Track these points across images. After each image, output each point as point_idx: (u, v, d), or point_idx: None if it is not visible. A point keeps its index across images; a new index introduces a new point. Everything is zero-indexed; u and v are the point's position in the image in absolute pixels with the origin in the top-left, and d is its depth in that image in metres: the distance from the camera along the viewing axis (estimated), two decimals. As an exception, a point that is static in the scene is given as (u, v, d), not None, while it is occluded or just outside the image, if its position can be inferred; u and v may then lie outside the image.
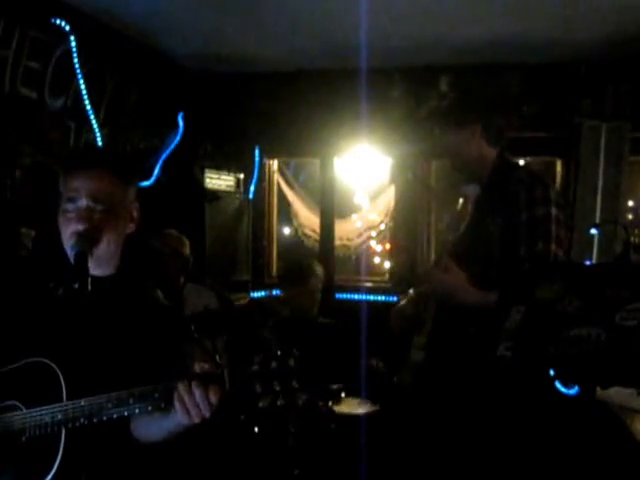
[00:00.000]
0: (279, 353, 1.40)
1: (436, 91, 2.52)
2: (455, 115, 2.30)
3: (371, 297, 4.46)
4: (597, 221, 3.97)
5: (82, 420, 1.48)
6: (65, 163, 1.78)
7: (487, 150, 2.30)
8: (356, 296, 4.53)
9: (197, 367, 1.45)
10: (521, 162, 4.69)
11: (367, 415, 3.13)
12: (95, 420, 1.48)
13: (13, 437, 1.55)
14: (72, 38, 3.18)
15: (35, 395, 1.55)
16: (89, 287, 1.54)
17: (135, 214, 1.78)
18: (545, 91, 4.12)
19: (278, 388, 1.38)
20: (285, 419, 3.06)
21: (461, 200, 2.51)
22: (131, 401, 1.46)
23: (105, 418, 1.48)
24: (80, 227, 1.63)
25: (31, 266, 1.82)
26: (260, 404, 1.38)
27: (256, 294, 4.65)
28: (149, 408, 1.47)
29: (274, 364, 1.39)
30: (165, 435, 1.59)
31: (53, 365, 1.55)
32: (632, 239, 4.19)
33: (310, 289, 3.64)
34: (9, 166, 3.04)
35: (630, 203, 4.60)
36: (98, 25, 3.39)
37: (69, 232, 1.64)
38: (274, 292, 4.55)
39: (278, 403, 1.39)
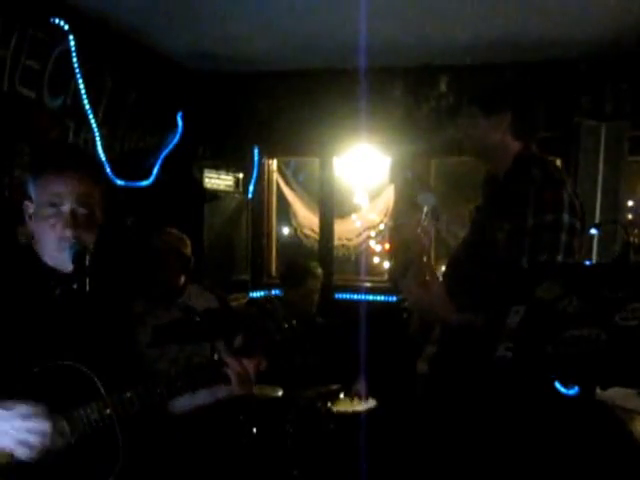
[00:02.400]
0: (286, 325, 1.64)
1: (436, 91, 2.49)
2: (487, 100, 2.18)
3: (370, 297, 4.45)
4: (597, 221, 3.97)
5: (134, 409, 1.56)
6: (40, 164, 1.78)
7: (510, 142, 2.17)
8: (355, 296, 4.52)
9: (238, 341, 1.62)
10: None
11: (366, 413, 3.12)
12: (148, 406, 1.57)
13: (63, 441, 1.53)
14: (71, 37, 3.18)
15: (69, 397, 1.55)
16: (87, 287, 1.55)
17: (101, 214, 1.78)
18: (544, 90, 4.11)
19: (290, 329, 1.64)
20: (283, 420, 3.06)
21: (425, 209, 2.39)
22: (179, 383, 1.58)
23: (157, 401, 1.58)
24: (68, 233, 1.63)
25: (29, 266, 1.81)
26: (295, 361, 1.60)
27: (255, 294, 4.64)
28: (195, 388, 1.61)
29: (290, 333, 1.63)
30: (190, 410, 1.70)
31: (80, 366, 1.57)
32: (632, 239, 4.18)
33: (308, 290, 3.63)
34: (8, 165, 3.03)
35: (630, 203, 4.59)
36: (97, 25, 3.39)
37: (54, 237, 1.65)
38: (273, 292, 4.55)
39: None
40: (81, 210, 1.66)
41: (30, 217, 1.72)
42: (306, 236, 4.98)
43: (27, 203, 1.73)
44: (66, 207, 1.65)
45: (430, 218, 2.26)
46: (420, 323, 2.50)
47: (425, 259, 2.30)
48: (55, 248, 1.65)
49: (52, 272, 1.68)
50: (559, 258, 1.95)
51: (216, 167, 4.36)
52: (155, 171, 4.12)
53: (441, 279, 2.36)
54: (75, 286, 1.56)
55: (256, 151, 4.64)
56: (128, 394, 1.55)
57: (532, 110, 2.20)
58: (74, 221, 1.64)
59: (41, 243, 1.69)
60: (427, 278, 2.12)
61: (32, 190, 1.71)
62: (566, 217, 1.97)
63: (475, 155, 2.31)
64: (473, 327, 1.97)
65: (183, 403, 1.68)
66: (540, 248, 1.95)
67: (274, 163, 4.91)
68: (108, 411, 1.54)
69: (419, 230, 2.27)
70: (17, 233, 3.02)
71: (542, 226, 1.95)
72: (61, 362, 1.57)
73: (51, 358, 1.57)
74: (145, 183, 4.02)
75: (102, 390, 1.55)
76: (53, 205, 1.65)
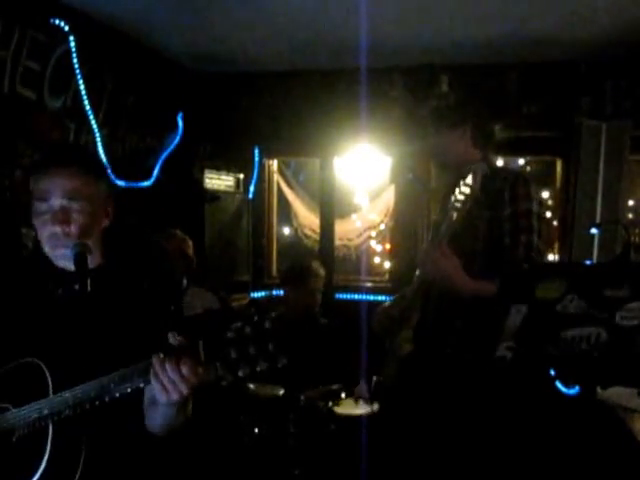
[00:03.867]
0: (255, 318, 1.35)
1: (436, 90, 2.54)
2: (449, 116, 2.38)
3: (371, 297, 4.45)
4: (597, 221, 3.97)
5: (67, 412, 1.47)
6: (34, 164, 1.75)
7: (472, 151, 2.39)
8: (356, 296, 4.53)
9: (171, 338, 1.42)
10: (521, 161, 4.71)
11: (367, 415, 3.12)
12: (79, 410, 1.47)
13: (4, 438, 1.55)
14: (71, 38, 3.18)
15: (23, 394, 1.55)
16: (89, 288, 1.54)
17: (109, 209, 1.74)
18: (545, 90, 4.12)
19: (254, 352, 1.33)
20: (285, 420, 3.06)
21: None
22: (112, 386, 1.44)
23: (89, 407, 1.47)
24: (57, 229, 1.60)
25: (31, 266, 1.81)
26: (240, 372, 1.32)
27: (256, 294, 4.64)
28: (128, 390, 1.45)
29: (248, 329, 1.34)
30: (165, 422, 1.57)
31: (40, 363, 1.55)
32: (632, 239, 4.19)
33: (311, 289, 3.63)
34: (9, 166, 3.04)
35: (630, 202, 4.60)
36: (97, 25, 3.39)
37: (47, 234, 1.62)
38: (274, 292, 4.55)
39: (258, 368, 1.33)
40: (74, 206, 1.61)
41: (34, 216, 1.68)
42: (307, 236, 4.99)
43: (33, 202, 1.68)
44: (55, 202, 1.61)
45: None
46: (384, 319, 2.57)
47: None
48: (49, 245, 1.63)
49: (56, 271, 1.67)
50: (535, 238, 2.22)
51: (217, 167, 4.36)
52: (156, 172, 4.12)
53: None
54: (77, 287, 1.55)
55: (256, 151, 4.64)
56: (66, 394, 1.48)
57: (488, 121, 2.43)
58: (64, 217, 1.60)
59: (41, 241, 1.67)
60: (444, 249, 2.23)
61: (31, 189, 1.68)
62: (536, 207, 2.27)
63: (442, 165, 2.54)
64: (487, 296, 2.13)
65: (154, 421, 1.59)
66: (519, 230, 2.23)
67: (274, 163, 4.91)
68: (46, 411, 1.49)
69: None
70: (21, 234, 3.03)
71: (518, 213, 2.24)
72: (29, 359, 1.56)
73: (23, 356, 1.57)
74: (146, 184, 4.03)
75: (50, 389, 1.52)
76: (44, 200, 1.62)
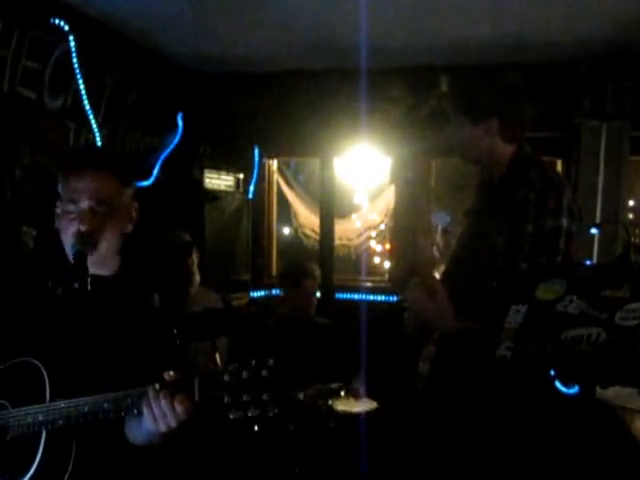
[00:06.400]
0: (253, 363, 1.36)
1: (436, 91, 2.49)
2: (473, 108, 2.17)
3: (371, 297, 4.45)
4: (597, 221, 3.97)
5: (60, 422, 1.49)
6: (65, 163, 1.78)
7: (502, 147, 2.18)
8: (356, 296, 4.53)
9: (167, 375, 1.43)
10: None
11: (366, 414, 3.12)
12: (72, 422, 1.48)
13: None
14: (71, 38, 3.18)
15: (21, 395, 1.56)
16: (88, 287, 1.54)
17: (134, 214, 1.78)
18: (545, 91, 4.12)
19: (248, 399, 1.34)
20: (285, 418, 3.06)
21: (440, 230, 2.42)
22: (106, 405, 1.46)
23: (81, 420, 1.48)
24: (82, 228, 1.63)
25: (31, 265, 1.82)
26: (231, 415, 1.34)
27: (255, 294, 4.65)
28: (122, 413, 1.47)
29: (245, 374, 1.35)
30: (146, 439, 1.57)
31: (39, 365, 1.56)
32: (632, 239, 4.19)
33: (305, 291, 3.62)
34: (9, 166, 3.04)
35: (630, 203, 4.60)
36: (97, 25, 3.39)
37: (70, 233, 1.65)
38: (273, 292, 4.55)
39: (249, 414, 1.35)
40: (100, 209, 1.65)
41: (58, 216, 1.71)
42: (306, 236, 4.99)
43: (58, 203, 1.72)
44: (84, 204, 1.64)
45: (443, 235, 2.29)
46: (417, 322, 2.50)
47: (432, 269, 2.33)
48: (71, 244, 1.65)
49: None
50: (558, 260, 1.99)
51: (216, 167, 4.36)
52: (155, 172, 4.12)
53: (440, 279, 2.36)
54: (76, 285, 1.56)
55: (256, 151, 4.64)
56: (61, 404, 1.49)
57: (518, 112, 2.18)
58: (91, 218, 1.63)
59: (64, 240, 1.69)
60: (433, 286, 2.09)
61: (60, 189, 1.71)
62: (565, 222, 2.01)
63: (470, 161, 2.33)
64: (472, 334, 1.98)
65: (133, 434, 1.60)
66: (540, 253, 1.99)
67: (274, 163, 4.92)
68: (40, 418, 1.50)
69: (434, 249, 2.29)
70: (22, 233, 3.03)
71: (542, 232, 1.99)
72: (29, 359, 1.57)
73: (23, 355, 1.58)
74: (145, 184, 4.02)
75: (47, 394, 1.53)
76: (73, 202, 1.65)
